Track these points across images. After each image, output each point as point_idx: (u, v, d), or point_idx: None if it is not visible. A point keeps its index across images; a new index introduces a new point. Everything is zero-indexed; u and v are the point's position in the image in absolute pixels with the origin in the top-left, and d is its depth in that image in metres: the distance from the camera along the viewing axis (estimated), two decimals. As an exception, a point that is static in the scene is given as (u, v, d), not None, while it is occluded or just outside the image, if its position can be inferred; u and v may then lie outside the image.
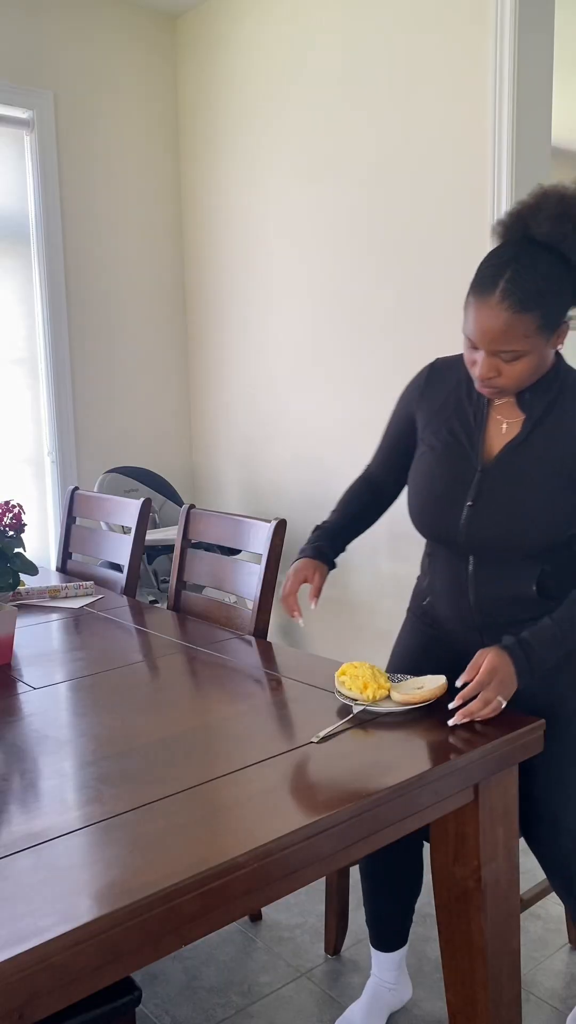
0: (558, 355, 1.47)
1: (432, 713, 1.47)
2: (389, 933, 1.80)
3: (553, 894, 2.20)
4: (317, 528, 1.74)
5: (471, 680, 1.40)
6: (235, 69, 3.52)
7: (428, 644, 1.67)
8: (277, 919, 2.17)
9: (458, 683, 1.42)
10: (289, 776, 1.26)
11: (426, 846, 1.73)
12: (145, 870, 1.02)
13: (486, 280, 1.33)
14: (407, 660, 1.70)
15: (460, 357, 1.56)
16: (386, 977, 1.82)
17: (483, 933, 1.43)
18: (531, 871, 2.31)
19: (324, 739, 1.38)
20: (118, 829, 1.12)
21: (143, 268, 3.82)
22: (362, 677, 1.50)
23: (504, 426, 1.48)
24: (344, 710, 1.50)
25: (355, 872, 2.33)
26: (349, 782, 1.23)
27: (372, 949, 1.83)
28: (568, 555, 1.48)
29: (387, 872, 1.73)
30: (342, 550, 1.73)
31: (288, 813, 1.15)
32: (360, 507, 1.75)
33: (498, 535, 1.44)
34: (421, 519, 1.55)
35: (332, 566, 1.70)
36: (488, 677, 1.38)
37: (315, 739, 1.38)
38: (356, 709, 1.48)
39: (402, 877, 1.74)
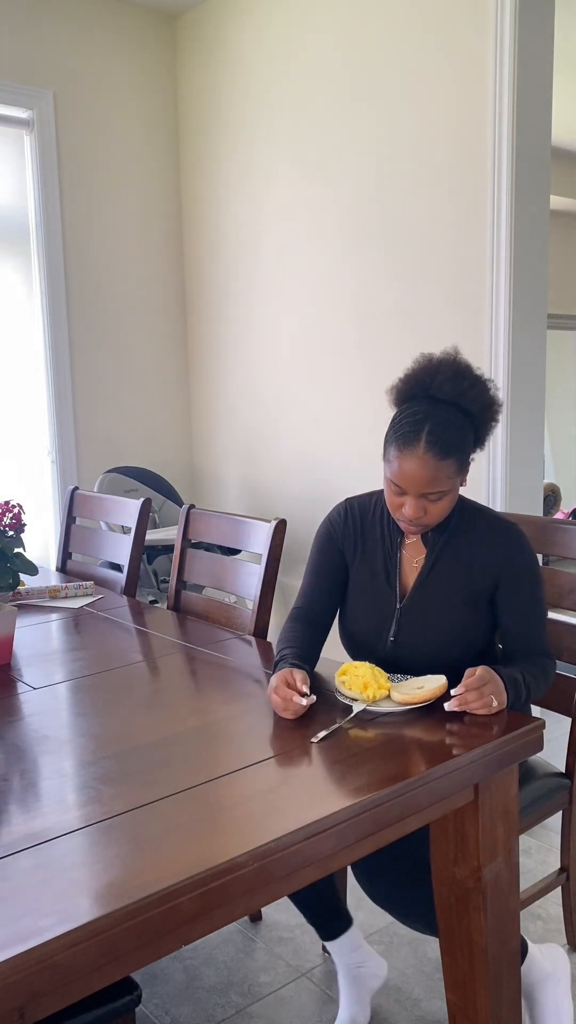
0: None
1: (432, 713, 1.47)
2: (328, 922, 1.81)
3: (553, 894, 2.21)
4: (280, 659, 1.65)
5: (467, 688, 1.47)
6: (235, 69, 3.52)
7: None
8: (277, 919, 2.17)
9: (454, 692, 1.46)
10: (289, 776, 1.26)
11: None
12: (145, 870, 1.02)
13: (408, 434, 1.54)
14: None
15: (369, 496, 1.77)
16: (350, 960, 1.83)
17: (483, 933, 1.43)
18: (531, 871, 2.31)
19: (324, 739, 1.38)
20: (118, 829, 1.12)
21: (143, 268, 3.82)
22: (362, 677, 1.51)
23: (415, 563, 1.68)
24: (345, 710, 1.50)
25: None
26: (349, 782, 1.23)
27: (325, 944, 1.85)
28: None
29: None
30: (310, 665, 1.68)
31: (288, 813, 1.15)
32: (309, 643, 1.71)
33: (416, 662, 1.64)
34: (352, 650, 1.75)
35: (309, 670, 1.64)
36: (487, 676, 1.46)
37: (315, 739, 1.38)
38: (356, 709, 1.48)
39: None
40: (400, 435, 1.56)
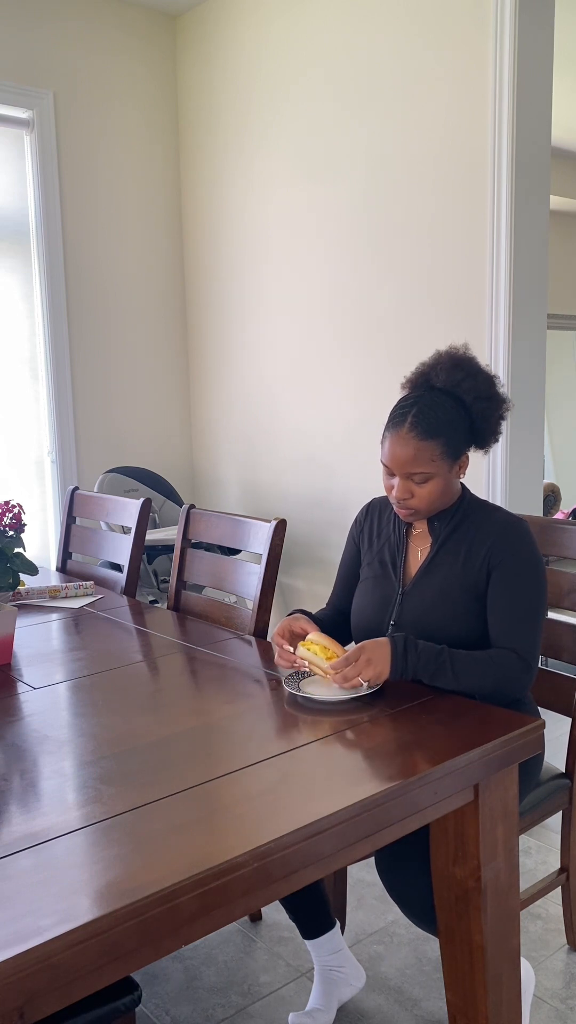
0: (464, 488, 1.72)
1: (432, 713, 1.47)
2: (310, 920, 1.80)
3: (553, 894, 2.21)
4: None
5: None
6: (235, 69, 3.52)
7: None
8: (277, 919, 2.17)
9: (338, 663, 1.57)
10: (289, 776, 1.26)
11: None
12: (145, 870, 1.02)
13: (397, 418, 1.63)
14: None
15: None
16: (327, 962, 1.82)
17: (483, 933, 1.43)
18: (531, 871, 2.31)
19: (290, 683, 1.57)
20: (118, 829, 1.12)
21: (143, 268, 3.82)
22: (331, 647, 1.60)
23: (420, 552, 1.73)
24: (293, 679, 1.62)
25: (353, 871, 2.33)
26: (349, 782, 1.23)
27: (304, 941, 1.84)
28: None
29: None
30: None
31: (288, 813, 1.15)
32: (332, 623, 1.89)
33: None
34: (357, 633, 1.79)
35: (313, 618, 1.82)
36: (356, 655, 1.54)
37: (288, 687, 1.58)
38: (291, 690, 1.59)
39: None
40: (391, 420, 1.64)
